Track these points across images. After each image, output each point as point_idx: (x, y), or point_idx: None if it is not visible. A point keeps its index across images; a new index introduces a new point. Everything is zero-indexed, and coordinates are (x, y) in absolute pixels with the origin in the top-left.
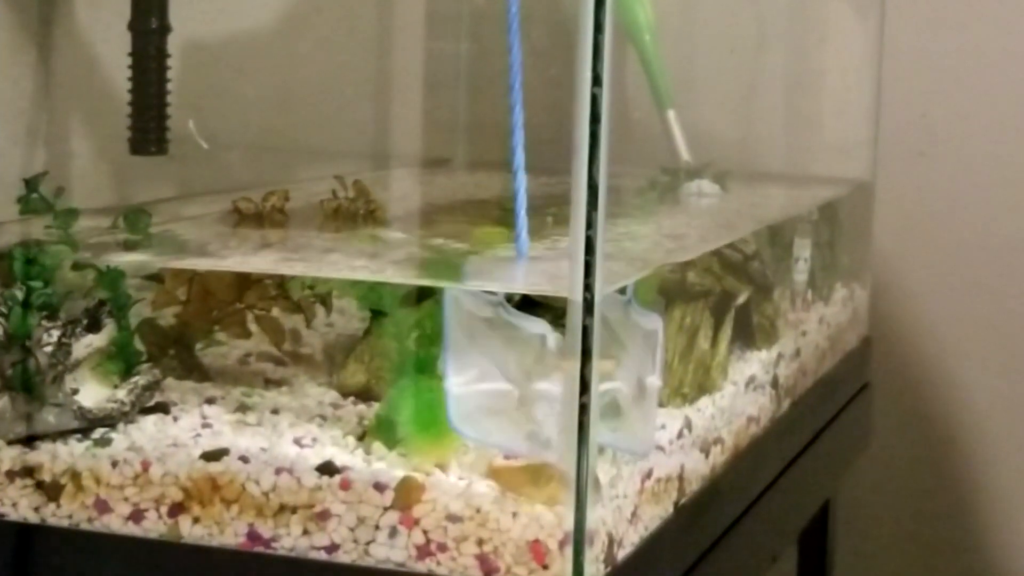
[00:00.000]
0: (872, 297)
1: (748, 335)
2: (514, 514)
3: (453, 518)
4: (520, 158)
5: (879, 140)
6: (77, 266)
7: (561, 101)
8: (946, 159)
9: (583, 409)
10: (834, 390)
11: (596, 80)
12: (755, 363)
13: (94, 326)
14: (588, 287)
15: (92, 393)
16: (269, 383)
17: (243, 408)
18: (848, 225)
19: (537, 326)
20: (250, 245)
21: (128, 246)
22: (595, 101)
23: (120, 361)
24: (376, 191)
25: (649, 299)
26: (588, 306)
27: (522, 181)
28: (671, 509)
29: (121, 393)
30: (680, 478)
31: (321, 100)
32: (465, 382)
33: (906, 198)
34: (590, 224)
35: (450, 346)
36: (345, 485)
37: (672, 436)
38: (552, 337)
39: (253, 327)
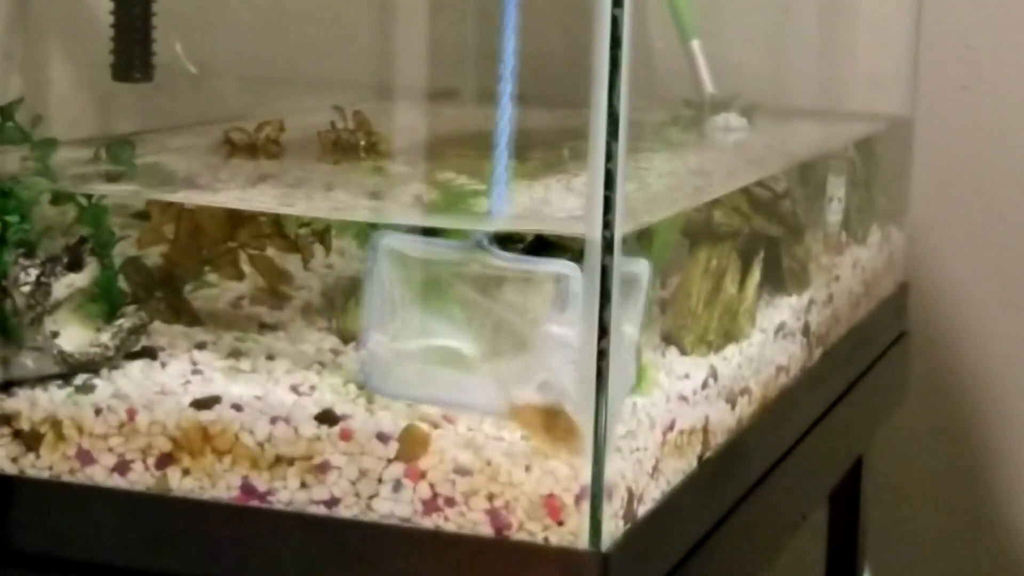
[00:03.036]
0: (910, 241)
1: (778, 279)
2: (527, 467)
3: (462, 471)
4: (507, 89)
5: (919, 73)
6: (56, 200)
7: (578, 26)
8: (991, 94)
9: (601, 355)
10: (869, 339)
11: (617, 1)
12: (785, 309)
13: (75, 265)
14: (607, 224)
15: (73, 336)
16: (264, 328)
17: (236, 354)
18: (885, 163)
19: (551, 266)
20: (243, 178)
21: (111, 178)
22: (616, 24)
23: (103, 303)
24: (378, 123)
25: (671, 240)
26: (608, 245)
27: (506, 117)
28: (695, 463)
29: (104, 337)
30: (705, 430)
31: (319, 24)
32: (389, 339)
33: (948, 136)
34: (609, 156)
35: (373, 302)
36: (346, 435)
37: (696, 386)
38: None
39: (247, 268)
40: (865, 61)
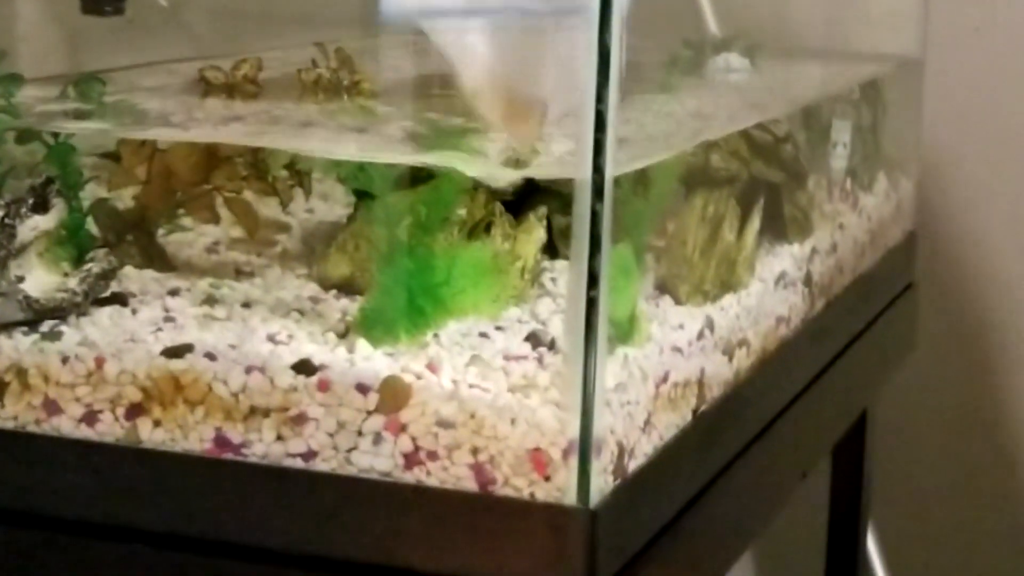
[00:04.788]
0: (919, 189)
1: (779, 227)
2: (512, 420)
3: (444, 423)
4: None
5: (930, 15)
6: (22, 139)
7: None
8: (1005, 36)
9: (591, 304)
10: (874, 290)
11: None
12: (786, 258)
13: (41, 206)
14: (598, 168)
15: (39, 281)
16: (240, 274)
17: (210, 301)
18: (894, 107)
19: None
20: (218, 117)
21: (79, 116)
22: None
23: (71, 246)
24: (362, 61)
25: (667, 185)
26: (598, 189)
27: None
28: (689, 417)
29: (72, 282)
30: (700, 383)
31: None
32: None
33: (959, 79)
34: (600, 97)
35: None
36: (324, 386)
37: (691, 337)
38: None
39: (222, 211)
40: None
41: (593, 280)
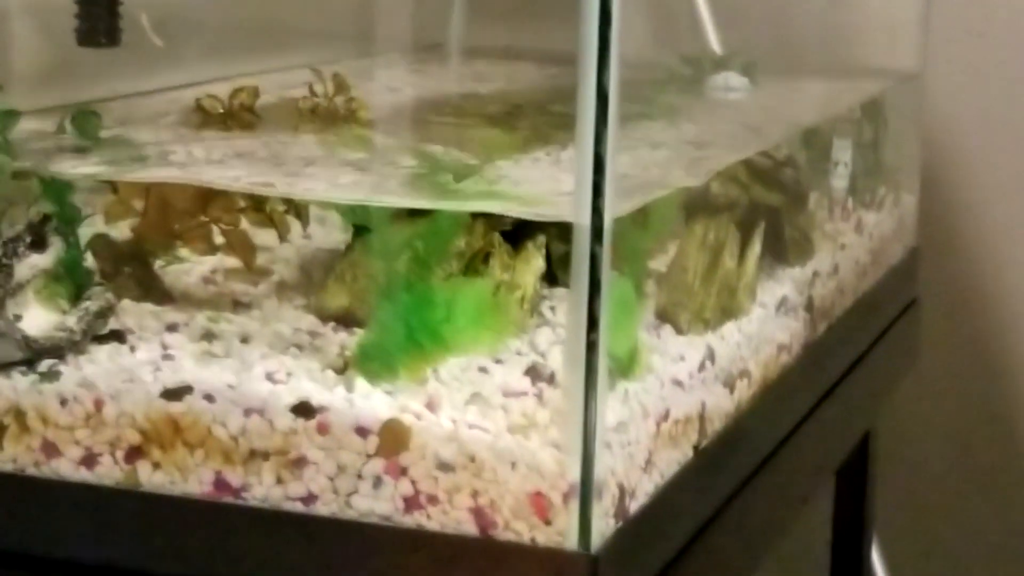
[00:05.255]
0: (921, 201)
1: (779, 250)
2: (513, 463)
3: (444, 467)
4: None
5: (930, 19)
6: (18, 176)
7: None
8: (1007, 41)
9: (591, 347)
10: (876, 310)
11: None
12: (787, 282)
13: (39, 244)
14: (597, 210)
15: (37, 320)
16: (238, 306)
17: (209, 336)
18: (894, 122)
19: None
20: (217, 152)
21: (77, 152)
22: None
23: (69, 283)
24: (359, 84)
25: (665, 220)
26: (597, 232)
27: None
28: (690, 453)
29: (70, 320)
30: (701, 417)
31: None
32: None
33: (961, 86)
34: (599, 139)
35: None
36: (323, 429)
37: (692, 368)
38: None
39: (219, 240)
40: (873, 10)
41: (593, 323)
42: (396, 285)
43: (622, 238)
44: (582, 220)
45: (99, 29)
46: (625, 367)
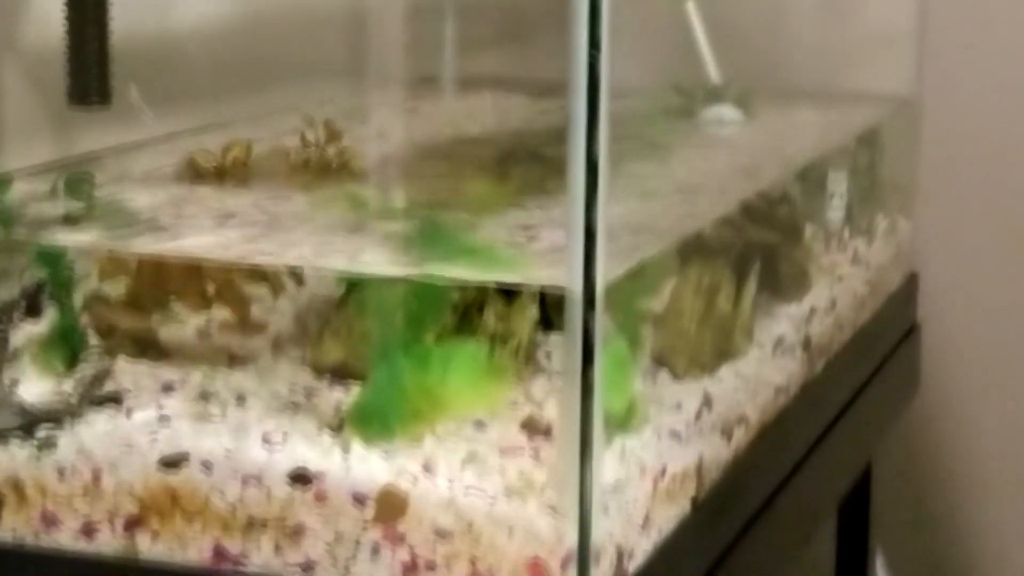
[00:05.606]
0: (918, 225)
1: (776, 286)
2: (510, 528)
3: (442, 533)
4: None
5: (925, 41)
6: (12, 247)
7: None
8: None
9: (586, 414)
10: (875, 340)
11: (593, 40)
12: (784, 320)
13: (34, 310)
14: (588, 278)
15: (34, 386)
16: (234, 360)
17: (205, 396)
18: (891, 148)
19: None
20: (209, 216)
21: (70, 221)
22: (593, 68)
23: (64, 348)
24: (351, 126)
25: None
26: (589, 299)
27: None
28: (688, 507)
29: (67, 385)
30: (698, 470)
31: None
32: None
33: (957, 106)
34: (589, 208)
35: None
36: (320, 496)
37: (690, 418)
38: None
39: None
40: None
41: (587, 390)
42: (390, 345)
43: (615, 299)
44: (574, 288)
45: (90, 89)
46: (622, 421)
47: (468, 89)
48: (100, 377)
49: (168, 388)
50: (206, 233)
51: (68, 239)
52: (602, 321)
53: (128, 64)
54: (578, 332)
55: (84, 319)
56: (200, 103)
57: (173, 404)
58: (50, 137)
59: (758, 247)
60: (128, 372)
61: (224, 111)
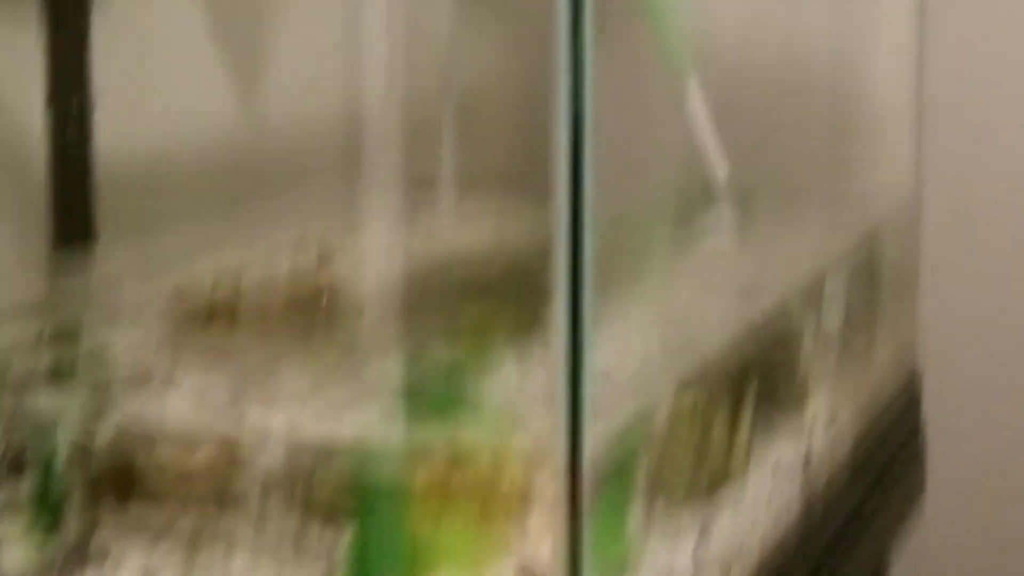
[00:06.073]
0: (921, 318)
1: (773, 404)
2: None
3: None
4: None
5: (924, 141)
6: None
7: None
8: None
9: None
10: (878, 447)
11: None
12: (782, 440)
13: (17, 470)
14: (575, 447)
15: (13, 554)
16: (224, 497)
17: (193, 546)
18: (890, 248)
19: None
20: (198, 365)
21: (56, 375)
22: (576, 215)
23: (47, 513)
24: (345, 243)
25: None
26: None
27: None
28: None
29: (48, 550)
30: None
31: (280, 99)
32: None
33: (958, 195)
34: (575, 360)
35: None
36: None
37: (686, 563)
38: None
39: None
40: (867, 133)
41: (575, 559)
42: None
43: (603, 461)
44: (559, 458)
45: (74, 228)
46: (616, 569)
47: (468, 192)
48: (83, 541)
49: (156, 538)
50: (187, 396)
51: (50, 403)
52: (592, 488)
53: (113, 188)
54: (564, 502)
55: (68, 475)
56: (190, 220)
57: (159, 557)
58: (34, 276)
59: (755, 366)
60: (113, 523)
61: (215, 229)
